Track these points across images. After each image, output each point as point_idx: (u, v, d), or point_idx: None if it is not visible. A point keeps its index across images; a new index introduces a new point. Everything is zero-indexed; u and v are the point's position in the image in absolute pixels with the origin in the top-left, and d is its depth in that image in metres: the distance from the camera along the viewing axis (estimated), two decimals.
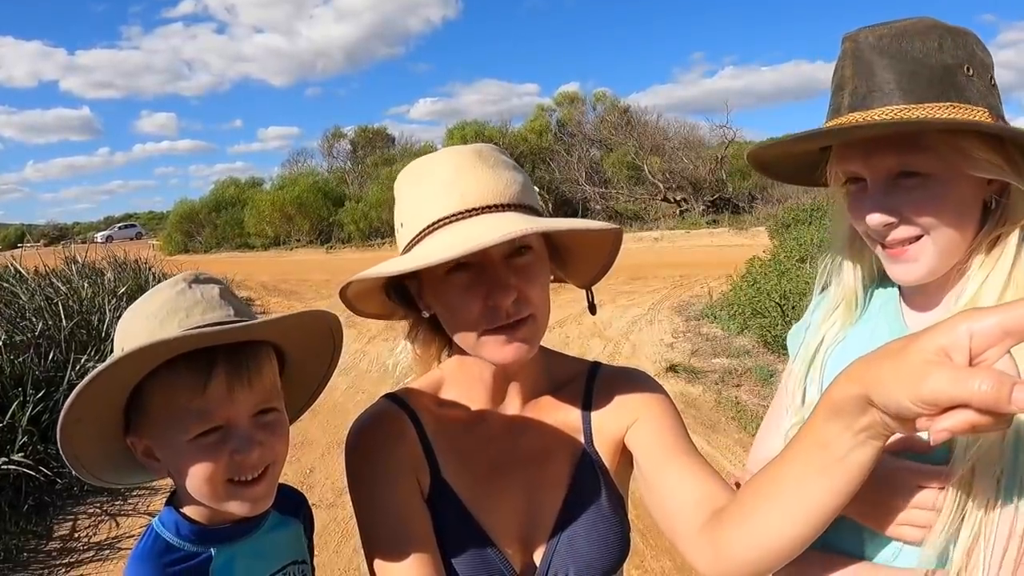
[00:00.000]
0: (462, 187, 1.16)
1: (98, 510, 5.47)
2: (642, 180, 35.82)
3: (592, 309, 1.39)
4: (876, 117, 1.20)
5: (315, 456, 6.52)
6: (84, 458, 1.17)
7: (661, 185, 34.93)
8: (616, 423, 1.34)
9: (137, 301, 1.18)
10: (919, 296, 1.32)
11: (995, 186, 1.20)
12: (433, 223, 1.16)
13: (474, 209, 1.15)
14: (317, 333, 1.25)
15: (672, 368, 8.67)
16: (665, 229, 30.87)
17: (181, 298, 1.14)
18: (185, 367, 1.08)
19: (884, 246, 1.26)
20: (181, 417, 1.10)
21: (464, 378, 1.35)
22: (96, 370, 1.03)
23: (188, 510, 1.19)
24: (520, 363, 1.22)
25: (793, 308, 8.77)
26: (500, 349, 1.18)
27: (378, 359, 10.17)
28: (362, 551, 1.29)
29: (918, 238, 1.21)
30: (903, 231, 1.22)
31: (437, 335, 1.41)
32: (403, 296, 1.30)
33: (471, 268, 1.16)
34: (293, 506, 1.36)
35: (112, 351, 1.13)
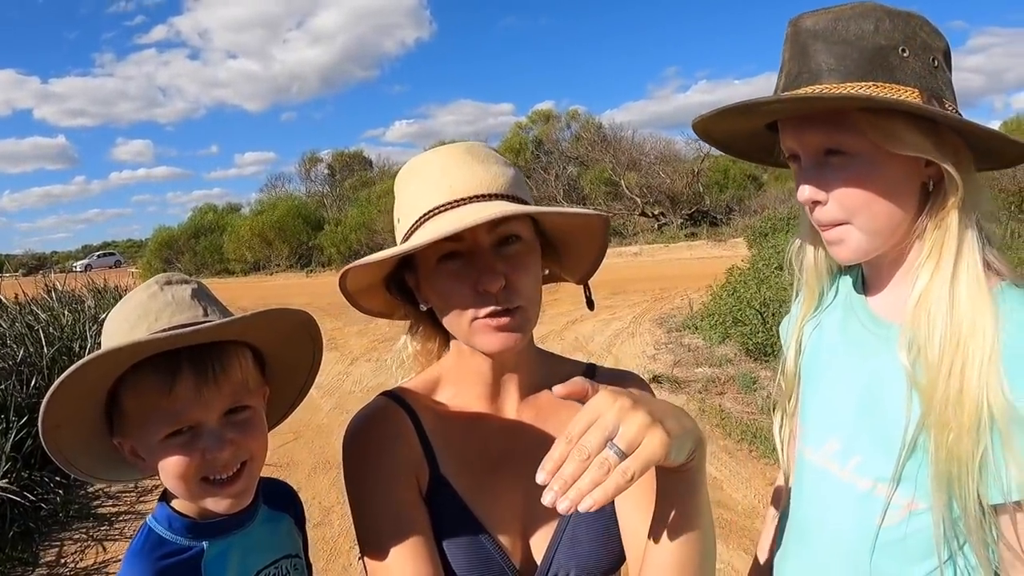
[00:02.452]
0: (451, 179, 1.20)
1: (84, 536, 5.44)
2: (620, 196, 35.97)
3: (590, 304, 1.42)
4: (786, 95, 1.23)
5: (301, 477, 6.49)
6: (75, 460, 1.19)
7: (639, 200, 35.07)
8: None
9: (118, 304, 1.21)
10: (877, 279, 1.37)
11: (933, 168, 1.22)
12: (424, 214, 1.20)
13: (462, 199, 1.18)
14: (289, 330, 1.27)
15: (655, 379, 8.67)
16: (644, 244, 30.95)
17: (152, 302, 1.17)
18: (151, 370, 1.10)
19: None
20: (151, 418, 1.12)
21: (462, 375, 1.36)
22: (60, 378, 1.05)
23: (179, 505, 1.21)
24: (510, 352, 1.23)
25: (773, 315, 8.84)
26: (490, 337, 1.20)
27: (361, 380, 10.18)
28: (352, 569, 1.29)
29: (846, 219, 1.25)
30: (829, 210, 1.25)
31: (437, 331, 1.43)
32: (403, 291, 1.33)
33: (461, 256, 1.20)
34: (283, 501, 1.38)
35: None
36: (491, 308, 1.18)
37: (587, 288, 1.41)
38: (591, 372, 1.44)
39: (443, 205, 1.19)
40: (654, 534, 1.12)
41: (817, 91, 1.20)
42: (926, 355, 1.20)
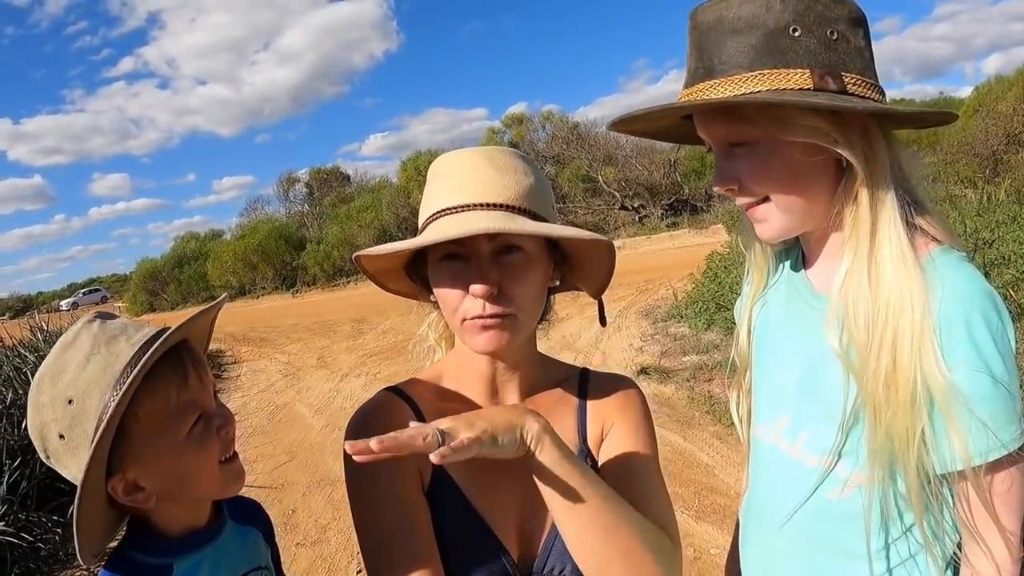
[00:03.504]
0: (464, 184, 1.25)
1: (85, 572, 5.40)
2: (598, 191, 36.08)
3: (602, 321, 1.47)
4: (685, 98, 1.26)
5: (297, 496, 6.49)
6: (90, 529, 1.18)
7: (618, 194, 35.17)
8: (604, 425, 1.39)
9: (52, 359, 1.17)
10: (811, 255, 1.39)
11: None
12: (435, 212, 1.25)
13: (469, 205, 1.22)
14: (212, 320, 1.35)
15: (643, 371, 8.66)
16: (626, 237, 31.03)
17: (107, 328, 1.18)
18: (164, 368, 1.15)
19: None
20: (175, 415, 1.16)
21: (463, 372, 1.38)
22: (126, 384, 1.09)
23: (151, 527, 1.23)
24: (498, 352, 1.27)
25: None
26: (476, 337, 1.24)
27: (352, 396, 10.15)
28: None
29: (762, 201, 1.27)
30: (745, 196, 1.28)
31: None
32: (422, 278, 1.36)
33: (460, 259, 1.24)
34: (250, 515, 1.41)
35: (57, 410, 1.14)
36: (479, 312, 1.22)
37: (600, 304, 1.45)
38: (584, 375, 1.46)
39: (452, 208, 1.23)
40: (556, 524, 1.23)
41: (703, 90, 1.22)
42: (854, 336, 1.21)
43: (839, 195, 1.25)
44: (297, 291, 37.22)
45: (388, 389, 1.40)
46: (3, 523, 5.37)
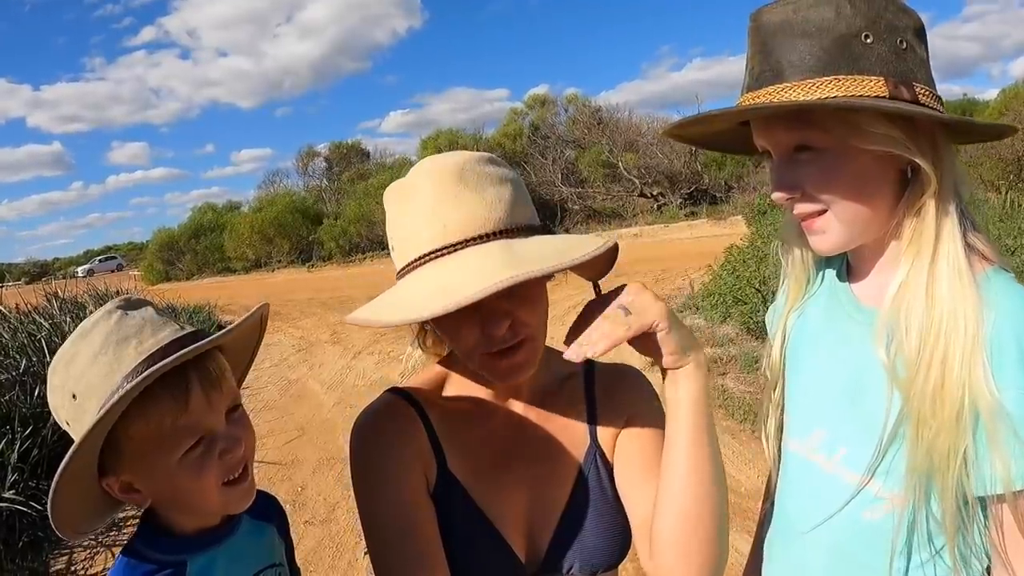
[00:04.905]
0: (444, 217, 1.12)
1: (93, 542, 5.44)
2: (618, 177, 35.95)
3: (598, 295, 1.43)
4: (750, 101, 1.21)
5: (306, 474, 6.51)
6: (71, 514, 1.18)
7: (637, 181, 35.05)
8: (616, 420, 1.37)
9: (70, 344, 1.15)
10: (859, 267, 1.34)
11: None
12: (418, 258, 1.14)
13: (457, 244, 1.11)
14: (255, 325, 1.30)
15: (655, 362, 8.62)
16: (644, 225, 30.95)
17: (124, 325, 1.14)
18: (162, 390, 1.09)
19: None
20: (168, 439, 1.11)
21: (468, 372, 1.35)
22: (99, 415, 1.04)
23: (163, 523, 1.21)
24: (520, 381, 1.26)
25: (772, 293, 8.72)
26: (499, 372, 1.21)
27: (364, 373, 10.19)
28: (357, 564, 1.29)
29: (823, 211, 1.23)
30: (805, 205, 1.23)
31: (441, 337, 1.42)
32: None
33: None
34: (265, 510, 1.38)
35: (65, 400, 1.13)
36: (497, 348, 1.18)
37: (596, 284, 1.37)
38: (591, 367, 1.44)
39: (439, 250, 1.12)
40: (667, 461, 1.19)
41: (777, 93, 1.18)
42: (904, 349, 1.18)
43: (901, 207, 1.21)
44: (313, 266, 37.27)
45: (392, 391, 1.38)
46: (13, 491, 5.39)
